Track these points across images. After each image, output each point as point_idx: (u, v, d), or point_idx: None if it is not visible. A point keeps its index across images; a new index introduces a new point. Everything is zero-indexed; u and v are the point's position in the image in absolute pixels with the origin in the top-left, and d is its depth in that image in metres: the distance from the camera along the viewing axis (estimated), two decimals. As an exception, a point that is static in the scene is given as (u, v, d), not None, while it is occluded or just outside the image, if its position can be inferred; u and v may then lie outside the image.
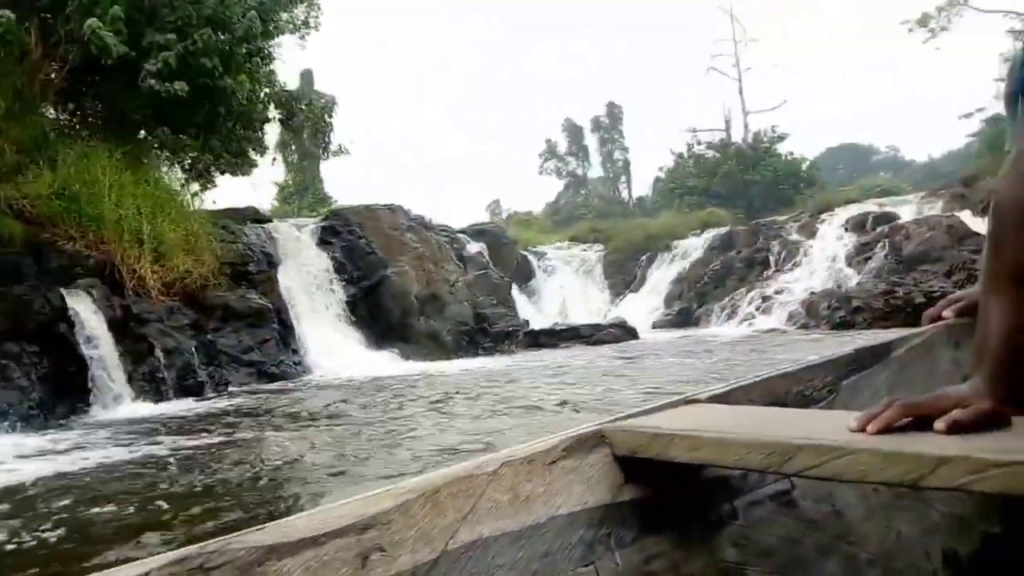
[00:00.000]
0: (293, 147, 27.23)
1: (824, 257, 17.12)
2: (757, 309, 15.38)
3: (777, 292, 15.73)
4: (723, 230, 20.01)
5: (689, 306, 17.94)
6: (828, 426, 0.89)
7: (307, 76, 30.48)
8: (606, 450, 0.99)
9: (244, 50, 11.07)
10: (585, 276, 20.43)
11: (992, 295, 0.94)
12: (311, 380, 9.65)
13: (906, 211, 17.92)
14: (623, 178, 48.66)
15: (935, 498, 1.23)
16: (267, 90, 12.82)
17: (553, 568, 0.88)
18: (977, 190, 17.89)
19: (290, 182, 28.18)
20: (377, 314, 12.56)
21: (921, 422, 0.85)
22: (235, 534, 0.68)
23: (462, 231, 17.63)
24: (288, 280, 11.61)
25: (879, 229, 16.65)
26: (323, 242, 13.14)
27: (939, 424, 0.83)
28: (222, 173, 12.56)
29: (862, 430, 0.85)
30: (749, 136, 33.76)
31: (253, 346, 9.54)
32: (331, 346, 11.15)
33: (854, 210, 19.05)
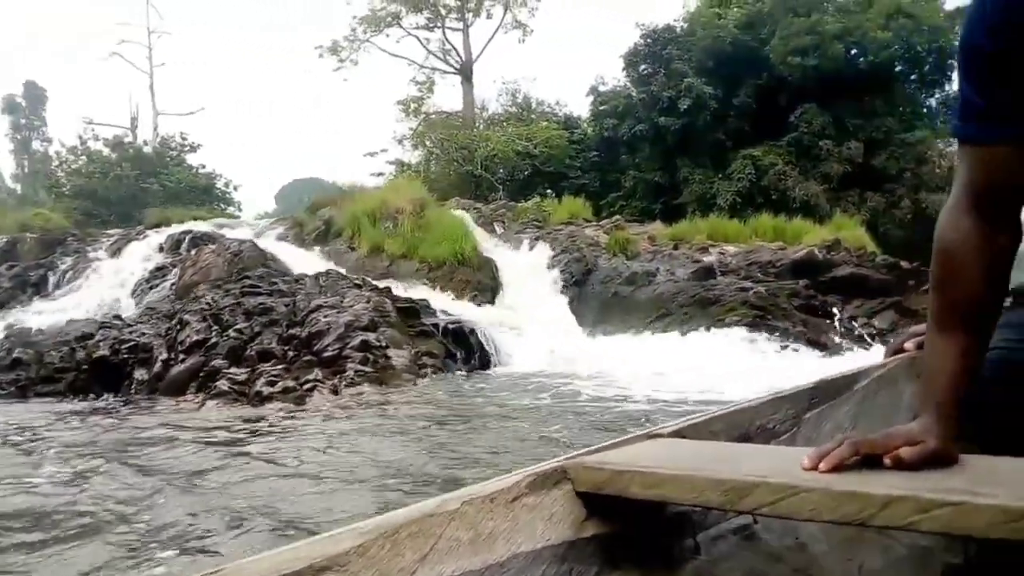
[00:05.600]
0: None
1: (116, 281, 12.92)
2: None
3: (9, 327, 10.81)
4: (5, 238, 14.44)
5: (-90, 339, 11.90)
6: (784, 463, 0.89)
7: None
8: (568, 486, 0.95)
9: None
10: None
11: (938, 334, 0.95)
12: None
13: (242, 233, 14.87)
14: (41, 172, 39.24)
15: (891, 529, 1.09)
16: None
17: None
18: (315, 218, 15.85)
19: None
20: None
21: (872, 460, 0.85)
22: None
23: None
24: None
25: (190, 253, 13.13)
26: None
27: (886, 461, 0.84)
28: None
29: (814, 468, 0.84)
30: (157, 140, 28.64)
31: None
32: None
33: (189, 227, 15.46)
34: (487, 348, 8.39)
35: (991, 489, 0.74)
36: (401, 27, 25.82)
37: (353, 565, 0.71)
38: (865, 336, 10.53)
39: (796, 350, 8.60)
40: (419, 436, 4.65)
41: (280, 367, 6.64)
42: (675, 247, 14.65)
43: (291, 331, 7.47)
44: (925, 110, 22.52)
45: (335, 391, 6.23)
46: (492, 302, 11.31)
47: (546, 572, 0.87)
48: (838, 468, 0.83)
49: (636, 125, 21.95)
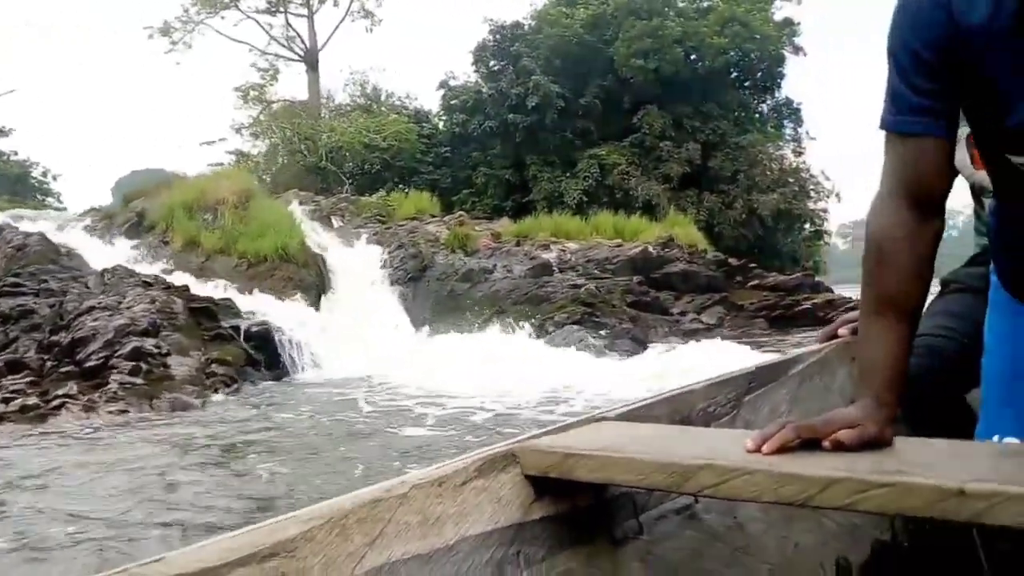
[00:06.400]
0: None
1: None
2: None
3: None
4: None
5: None
6: (728, 446, 0.90)
7: None
8: (517, 469, 0.96)
9: None
10: None
11: (871, 321, 0.98)
12: None
13: (42, 226, 13.16)
14: None
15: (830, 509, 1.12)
16: None
17: None
18: (127, 210, 14.33)
19: None
20: None
21: (812, 443, 0.88)
22: (131, 565, 0.62)
23: None
24: None
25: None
26: None
27: (825, 444, 0.87)
28: None
29: (758, 450, 0.86)
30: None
31: None
32: None
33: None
34: (296, 353, 7.62)
35: (924, 470, 0.77)
36: (239, 9, 24.14)
37: (300, 551, 0.70)
38: (694, 330, 10.59)
39: (625, 351, 8.38)
40: (163, 472, 3.87)
41: (27, 380, 5.59)
42: (517, 244, 14.35)
43: (54, 337, 6.39)
44: (757, 115, 23.60)
45: (90, 408, 5.28)
46: (317, 301, 10.47)
47: (495, 555, 0.88)
48: (780, 451, 0.85)
49: (486, 121, 21.59)
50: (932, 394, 1.23)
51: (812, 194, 22.35)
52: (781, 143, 22.97)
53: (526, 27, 22.25)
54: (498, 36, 21.98)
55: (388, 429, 4.92)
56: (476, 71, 22.81)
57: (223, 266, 11.22)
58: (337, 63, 54.90)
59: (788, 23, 22.58)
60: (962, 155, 1.33)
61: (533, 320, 9.46)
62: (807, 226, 22.65)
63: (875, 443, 0.87)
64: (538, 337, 8.91)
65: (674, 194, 20.79)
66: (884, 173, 0.99)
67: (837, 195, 22.78)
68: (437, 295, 11.05)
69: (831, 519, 1.25)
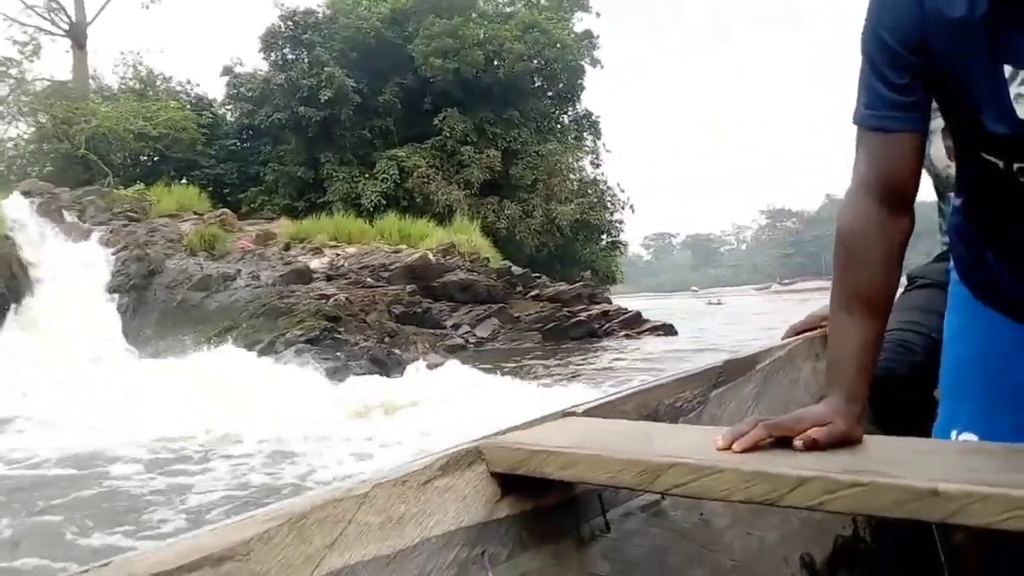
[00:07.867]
0: None
1: None
2: None
3: None
4: None
5: None
6: (696, 443, 0.88)
7: None
8: (483, 467, 0.92)
9: None
10: None
11: (841, 316, 0.96)
12: None
13: None
14: None
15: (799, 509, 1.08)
16: None
17: None
18: None
19: None
20: None
21: (782, 440, 0.85)
22: (76, 570, 0.60)
23: None
24: None
25: None
26: None
27: (797, 443, 0.84)
28: None
29: (728, 448, 0.84)
30: None
31: None
32: None
33: None
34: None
35: (895, 469, 0.75)
36: (-17, -32, 20.49)
37: (256, 554, 0.67)
38: (459, 345, 9.67)
39: (359, 374, 7.17)
40: None
41: None
42: (287, 247, 12.80)
43: None
44: (558, 125, 23.46)
45: None
46: (3, 310, 8.39)
47: (459, 555, 0.85)
48: (752, 449, 0.83)
49: (275, 113, 19.74)
50: (902, 389, 1.25)
51: (609, 205, 22.50)
52: (580, 154, 22.96)
53: (320, 15, 20.64)
54: (290, 23, 20.19)
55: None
56: (265, 59, 20.87)
57: None
58: (109, 42, 49.80)
59: (588, 35, 22.63)
60: (938, 148, 1.34)
61: (269, 336, 8.03)
62: (604, 237, 22.78)
63: (845, 441, 0.84)
64: (263, 356, 7.49)
65: (475, 200, 20.04)
66: (855, 168, 0.97)
67: (632, 207, 23.14)
68: (165, 306, 9.31)
69: (796, 516, 1.23)
